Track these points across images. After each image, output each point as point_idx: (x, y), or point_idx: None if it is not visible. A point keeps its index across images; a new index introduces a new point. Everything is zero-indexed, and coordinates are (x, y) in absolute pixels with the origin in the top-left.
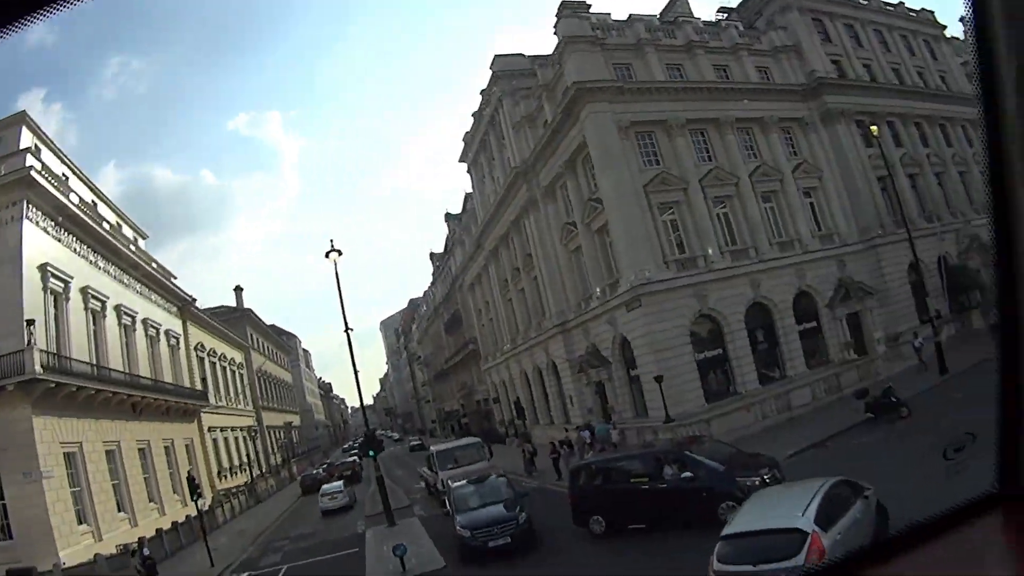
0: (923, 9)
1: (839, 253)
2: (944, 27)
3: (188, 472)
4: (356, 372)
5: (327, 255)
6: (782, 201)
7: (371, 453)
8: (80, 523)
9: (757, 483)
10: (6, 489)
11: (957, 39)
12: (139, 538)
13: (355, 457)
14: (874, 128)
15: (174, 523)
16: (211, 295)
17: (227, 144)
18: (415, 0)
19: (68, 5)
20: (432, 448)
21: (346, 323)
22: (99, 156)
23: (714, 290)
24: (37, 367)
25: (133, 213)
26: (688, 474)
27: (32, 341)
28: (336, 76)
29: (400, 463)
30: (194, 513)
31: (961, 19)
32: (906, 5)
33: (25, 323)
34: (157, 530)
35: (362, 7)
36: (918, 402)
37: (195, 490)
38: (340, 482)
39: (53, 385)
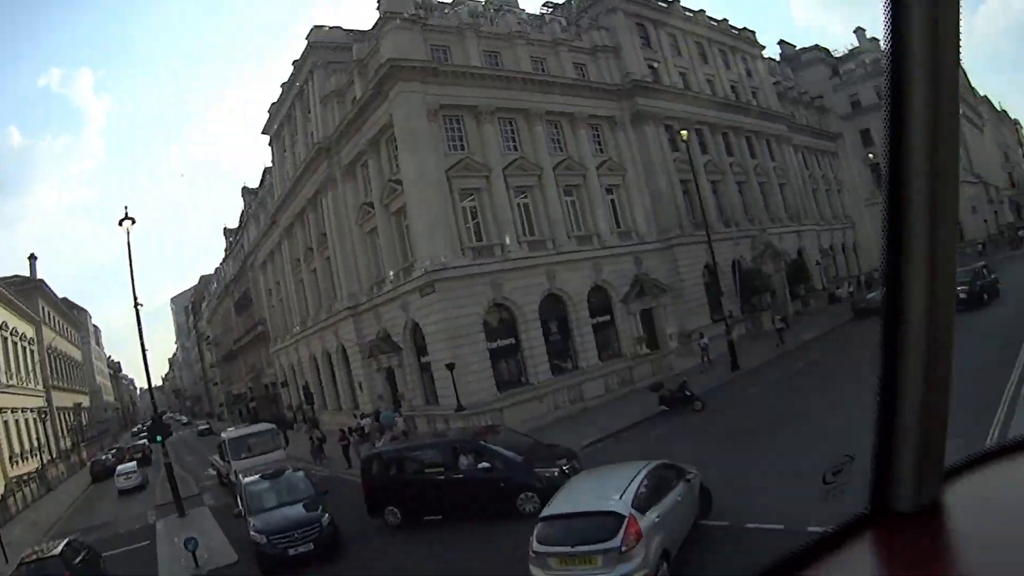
0: (745, 28)
1: (637, 250)
2: (763, 47)
3: None
4: (144, 351)
5: (120, 223)
6: (584, 196)
7: (158, 438)
8: None
9: (556, 474)
10: None
11: (773, 60)
12: None
13: (144, 441)
14: (684, 133)
15: None
16: (6, 264)
17: (36, 100)
18: None
19: None
20: (223, 435)
21: (135, 298)
22: None
23: (510, 279)
24: None
25: None
26: (485, 464)
27: None
28: (149, 36)
29: (189, 448)
30: None
31: (780, 42)
32: (729, 22)
33: None
34: None
35: None
36: (711, 396)
37: None
38: (133, 463)
39: None
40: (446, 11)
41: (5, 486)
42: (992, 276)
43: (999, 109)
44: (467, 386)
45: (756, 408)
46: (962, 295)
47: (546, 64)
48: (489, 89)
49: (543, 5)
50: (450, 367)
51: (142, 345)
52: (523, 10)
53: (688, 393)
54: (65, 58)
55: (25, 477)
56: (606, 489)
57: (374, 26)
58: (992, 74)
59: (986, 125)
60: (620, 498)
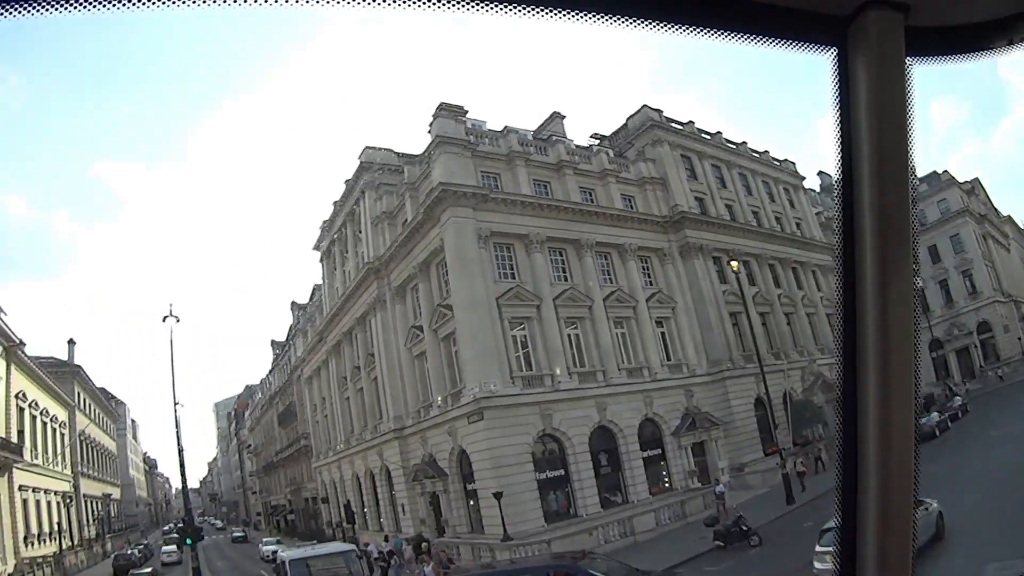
0: (786, 160)
1: (687, 383)
2: (803, 178)
3: None
4: (181, 451)
5: (164, 319)
6: (634, 328)
7: (188, 541)
8: None
9: None
10: None
11: (814, 191)
12: None
13: (168, 556)
14: (734, 264)
15: None
16: (43, 346)
17: (88, 188)
18: (292, 79)
19: None
20: (283, 555)
21: (175, 397)
22: None
23: (559, 410)
24: None
25: None
26: None
27: None
28: (207, 139)
29: (222, 554)
30: None
31: (819, 173)
32: (770, 154)
33: None
34: None
35: (246, 77)
36: (766, 531)
37: None
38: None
39: None
40: (497, 139)
41: (15, 566)
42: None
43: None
44: (514, 516)
45: (813, 543)
46: None
47: (595, 195)
48: (539, 218)
49: (591, 136)
50: (497, 496)
51: (178, 443)
52: (571, 140)
53: (744, 528)
54: (121, 152)
55: (40, 560)
56: None
57: (425, 150)
58: (1014, 192)
59: (1012, 243)
60: None
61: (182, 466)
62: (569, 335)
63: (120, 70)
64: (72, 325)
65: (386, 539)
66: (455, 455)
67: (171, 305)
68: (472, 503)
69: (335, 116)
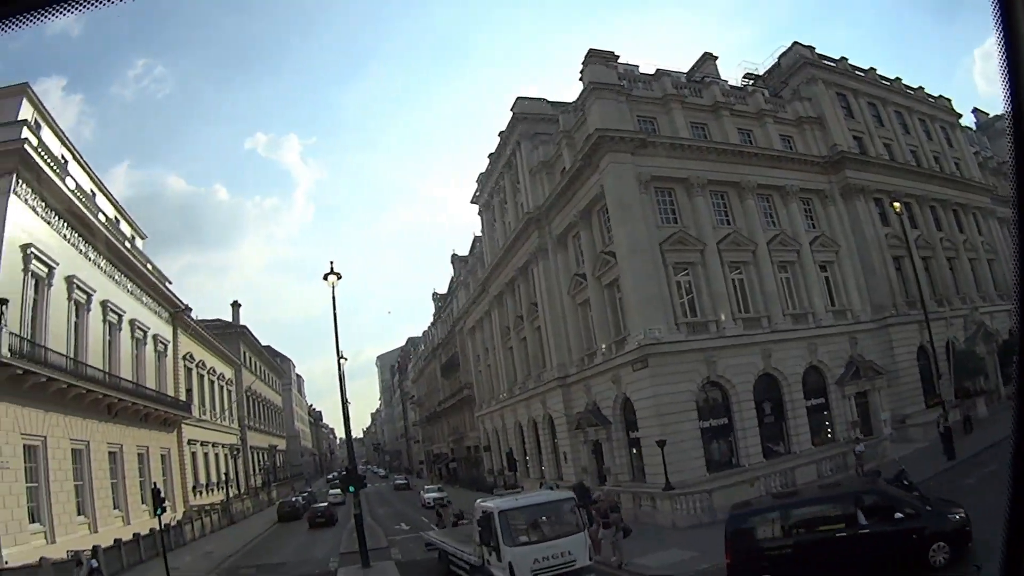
0: (941, 96)
1: (852, 330)
2: (959, 115)
3: (154, 484)
4: (345, 402)
5: (325, 277)
6: (798, 272)
7: (351, 488)
8: (32, 521)
9: (957, 518)
10: None
11: (970, 129)
12: (93, 547)
13: (335, 497)
14: (896, 205)
15: (135, 535)
16: (210, 311)
17: (243, 162)
18: (439, 40)
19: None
20: (488, 505)
21: (338, 350)
22: (113, 154)
23: (724, 357)
24: (4, 350)
25: (142, 217)
26: (900, 514)
27: (2, 323)
28: (356, 109)
29: (383, 501)
30: (168, 524)
31: (974, 110)
32: (925, 90)
33: None
34: (116, 540)
35: (387, 43)
36: (927, 488)
37: (159, 503)
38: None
39: (20, 372)
40: (650, 82)
41: (184, 513)
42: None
43: None
44: (676, 464)
45: (975, 502)
46: None
47: (753, 136)
48: (699, 161)
49: (743, 77)
50: (661, 444)
51: (342, 395)
52: (725, 81)
53: (906, 482)
54: (272, 125)
55: (207, 507)
56: None
57: (579, 97)
58: None
59: None
60: None
61: (345, 415)
62: (733, 280)
63: (262, 45)
64: (237, 290)
65: (540, 485)
66: (618, 403)
67: (332, 263)
68: (634, 451)
69: (486, 69)
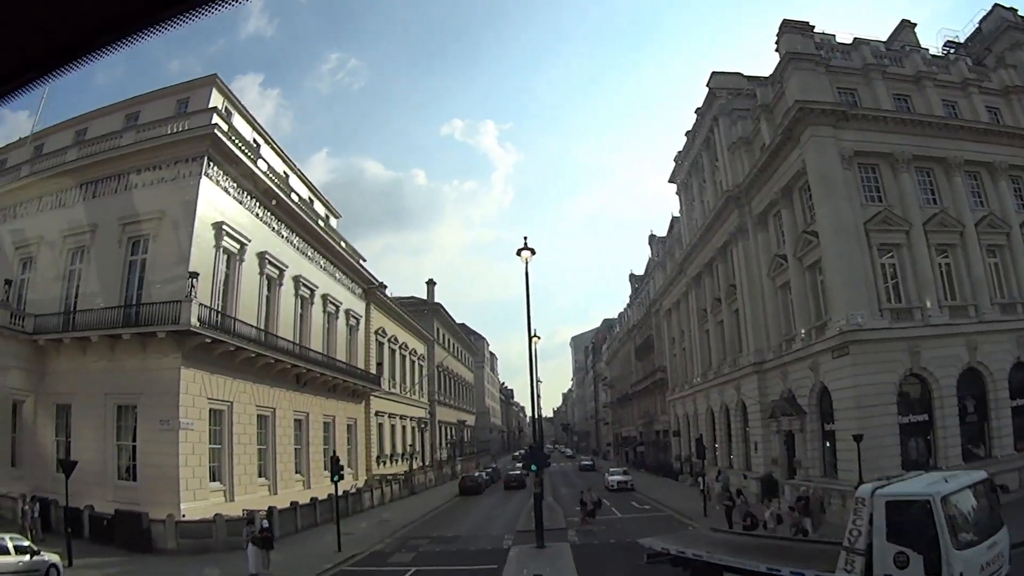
0: None
1: None
2: None
3: (334, 452)
4: (533, 379)
5: (519, 252)
6: (1008, 258)
7: (533, 467)
8: (213, 480)
9: None
10: (140, 433)
11: None
12: (269, 508)
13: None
14: None
15: (313, 499)
16: (407, 290)
17: (440, 148)
18: (629, 21)
19: None
20: (901, 489)
21: (529, 326)
22: (312, 144)
23: (927, 347)
24: (193, 319)
25: (341, 200)
26: None
27: (192, 293)
28: (549, 93)
29: (567, 481)
30: (347, 490)
31: None
32: None
33: (188, 274)
34: (292, 503)
35: (578, 27)
36: None
37: (337, 471)
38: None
39: (208, 340)
40: (848, 52)
41: (366, 481)
42: None
43: None
44: (871, 461)
45: None
46: None
47: (958, 107)
48: (903, 135)
49: (944, 45)
50: (857, 438)
51: (531, 372)
52: (926, 50)
53: None
54: (469, 111)
55: (390, 477)
56: None
57: (776, 69)
58: None
59: None
60: None
61: (533, 392)
62: (939, 264)
63: (454, 35)
64: (435, 270)
65: (717, 476)
66: (815, 392)
67: (525, 238)
68: (828, 444)
69: (677, 49)
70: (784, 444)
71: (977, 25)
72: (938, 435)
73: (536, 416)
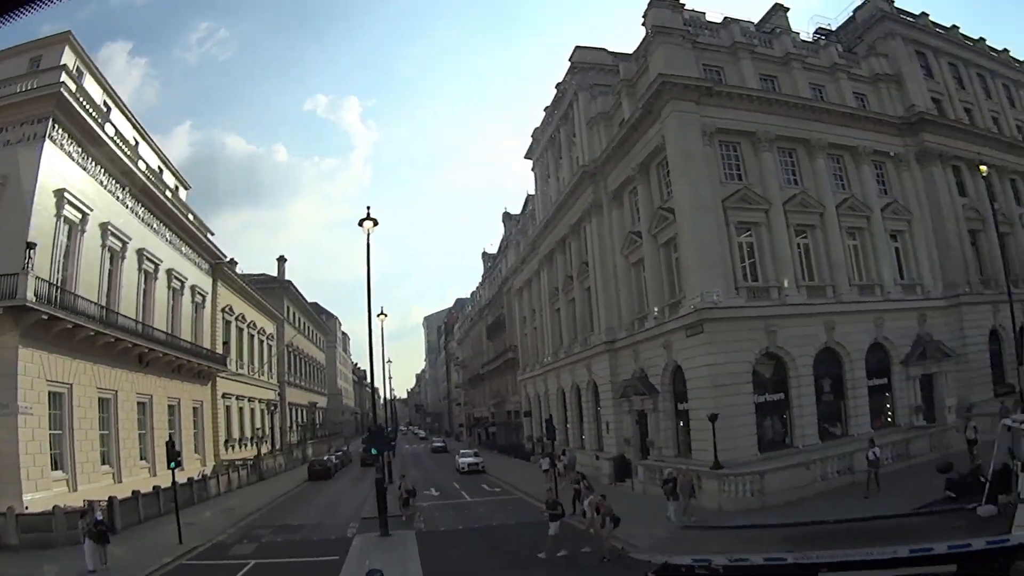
0: None
1: (921, 306)
2: None
3: (170, 436)
4: (371, 356)
5: (360, 223)
6: (867, 240)
7: (374, 450)
8: (55, 469)
9: None
10: None
11: None
12: (108, 498)
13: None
14: (983, 168)
15: (156, 487)
16: (264, 268)
17: (303, 123)
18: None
19: None
20: None
21: (370, 301)
22: (177, 116)
23: (784, 326)
24: (29, 295)
25: (204, 176)
26: None
27: (29, 267)
28: (414, 70)
29: (419, 463)
30: (192, 477)
31: None
32: (1011, 53)
33: (25, 246)
34: (134, 492)
35: (447, 4)
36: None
37: (174, 457)
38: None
39: (46, 317)
40: (717, 30)
41: (214, 467)
42: None
43: None
44: (726, 441)
45: None
46: None
47: (825, 91)
48: (767, 114)
49: (816, 31)
50: (712, 418)
51: (370, 348)
52: (796, 33)
53: (982, 479)
54: (333, 86)
55: (239, 462)
56: None
57: (641, 44)
58: None
59: None
60: None
61: (371, 366)
62: (798, 244)
63: (324, 6)
64: (292, 248)
65: (563, 453)
66: (668, 371)
67: (368, 208)
68: (682, 424)
69: (547, 25)
70: (637, 424)
71: (852, 14)
72: (794, 414)
73: (374, 394)
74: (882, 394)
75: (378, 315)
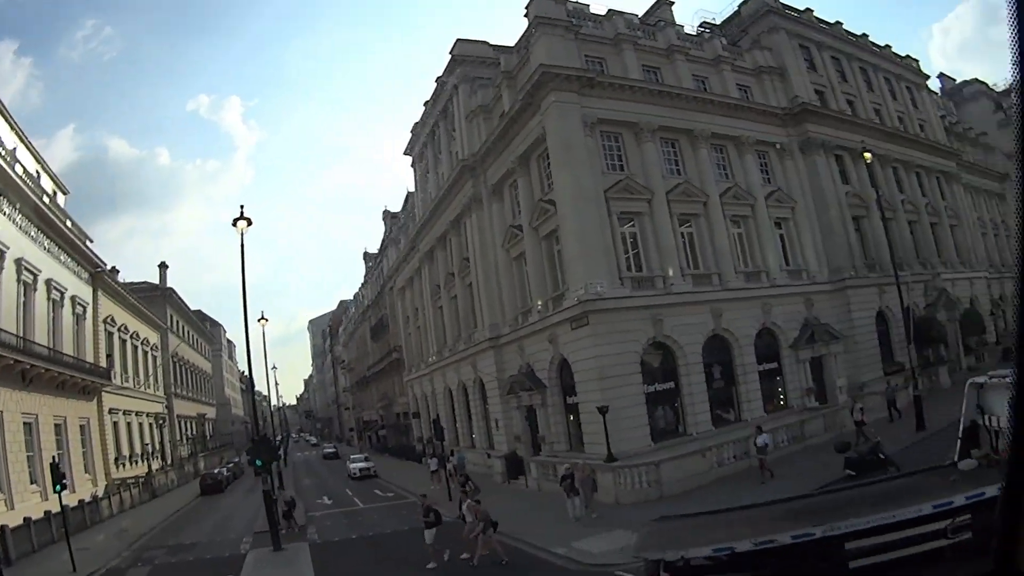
0: (908, 56)
1: (807, 291)
2: (927, 77)
3: (53, 457)
4: (250, 356)
5: (234, 223)
6: (752, 228)
7: (258, 462)
8: None
9: None
10: None
11: (935, 93)
12: (0, 528)
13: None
14: (867, 155)
15: (47, 512)
16: (148, 276)
17: (185, 124)
18: None
19: None
20: None
21: (245, 302)
22: (60, 118)
23: (671, 315)
24: None
25: (86, 181)
26: None
27: None
28: (298, 69)
29: (310, 471)
30: (84, 499)
31: (940, 75)
32: (892, 49)
33: None
34: (25, 519)
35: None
36: (900, 460)
37: (59, 480)
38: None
39: None
40: (601, 22)
41: (106, 488)
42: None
43: None
44: (618, 433)
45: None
46: None
47: (708, 83)
48: (650, 105)
49: (700, 25)
50: (602, 410)
51: (248, 352)
52: (681, 27)
53: (881, 456)
54: (216, 85)
55: (131, 481)
56: None
57: (523, 35)
58: None
59: None
60: None
61: (251, 373)
62: (683, 233)
63: (210, 4)
64: (176, 254)
65: (452, 453)
66: (555, 365)
67: (242, 207)
68: (572, 418)
69: (432, 22)
70: (526, 420)
71: (736, 8)
72: (686, 402)
73: (254, 399)
74: (773, 378)
75: (259, 319)
